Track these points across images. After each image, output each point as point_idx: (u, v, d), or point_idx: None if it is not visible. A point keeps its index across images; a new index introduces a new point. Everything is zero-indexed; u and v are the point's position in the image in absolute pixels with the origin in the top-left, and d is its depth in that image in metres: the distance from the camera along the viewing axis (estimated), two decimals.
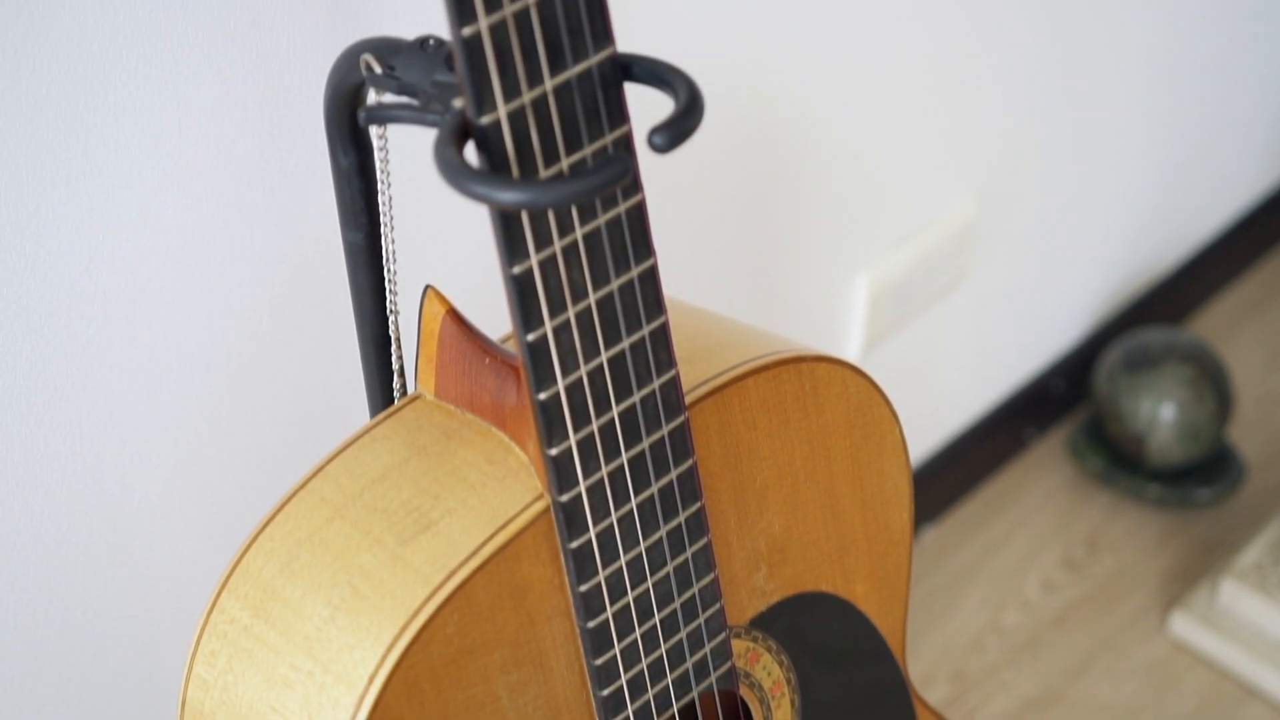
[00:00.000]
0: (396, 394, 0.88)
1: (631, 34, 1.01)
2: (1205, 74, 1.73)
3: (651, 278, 0.76)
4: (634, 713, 0.83)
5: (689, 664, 0.84)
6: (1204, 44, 1.70)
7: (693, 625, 0.84)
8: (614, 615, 0.80)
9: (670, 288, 0.78)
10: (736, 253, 1.32)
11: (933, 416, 1.65)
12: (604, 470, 0.77)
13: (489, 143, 0.69)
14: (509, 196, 0.67)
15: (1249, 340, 1.89)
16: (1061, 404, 1.78)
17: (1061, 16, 1.49)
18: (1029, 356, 1.73)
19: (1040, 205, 1.61)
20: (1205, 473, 1.71)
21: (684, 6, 1.15)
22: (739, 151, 1.26)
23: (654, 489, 0.80)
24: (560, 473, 0.76)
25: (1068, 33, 1.51)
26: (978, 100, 1.46)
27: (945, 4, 1.36)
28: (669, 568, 0.82)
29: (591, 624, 0.79)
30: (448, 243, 1.02)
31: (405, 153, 0.88)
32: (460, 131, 0.69)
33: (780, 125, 1.28)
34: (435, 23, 0.86)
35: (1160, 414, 1.65)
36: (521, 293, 0.72)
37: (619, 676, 0.81)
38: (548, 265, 0.72)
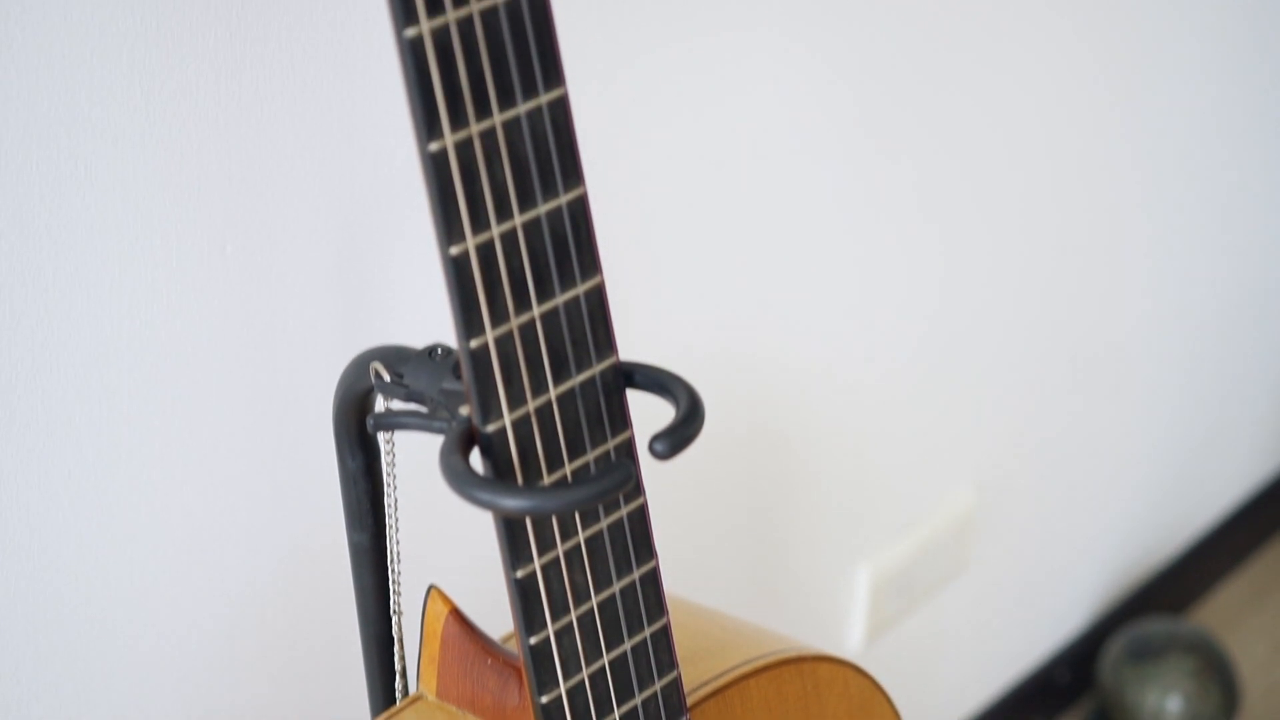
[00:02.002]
0: (398, 694, 0.88)
1: (630, 334, 1.03)
2: (1204, 363, 1.76)
3: (653, 579, 0.77)
4: None
5: None
6: (1203, 335, 1.73)
7: None
8: None
9: (670, 579, 0.79)
10: (737, 544, 1.33)
11: (937, 708, 1.63)
12: None
13: (494, 449, 0.70)
14: (513, 504, 0.68)
15: (1253, 630, 1.88)
16: (1066, 695, 1.77)
17: (1059, 309, 1.52)
18: (1032, 646, 1.73)
19: (1040, 494, 1.62)
20: None
21: (682, 308, 1.17)
22: (737, 445, 1.28)
23: None
24: None
25: (1064, 325, 1.54)
26: (974, 391, 1.48)
27: (942, 300, 1.39)
28: None
29: None
30: (452, 542, 1.03)
31: (411, 452, 0.90)
32: (466, 438, 0.70)
33: (778, 417, 1.30)
34: (443, 331, 0.89)
35: (1166, 706, 1.64)
36: (524, 596, 0.73)
37: None
38: (550, 569, 0.73)
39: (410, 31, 0.63)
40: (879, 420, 1.40)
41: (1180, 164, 1.59)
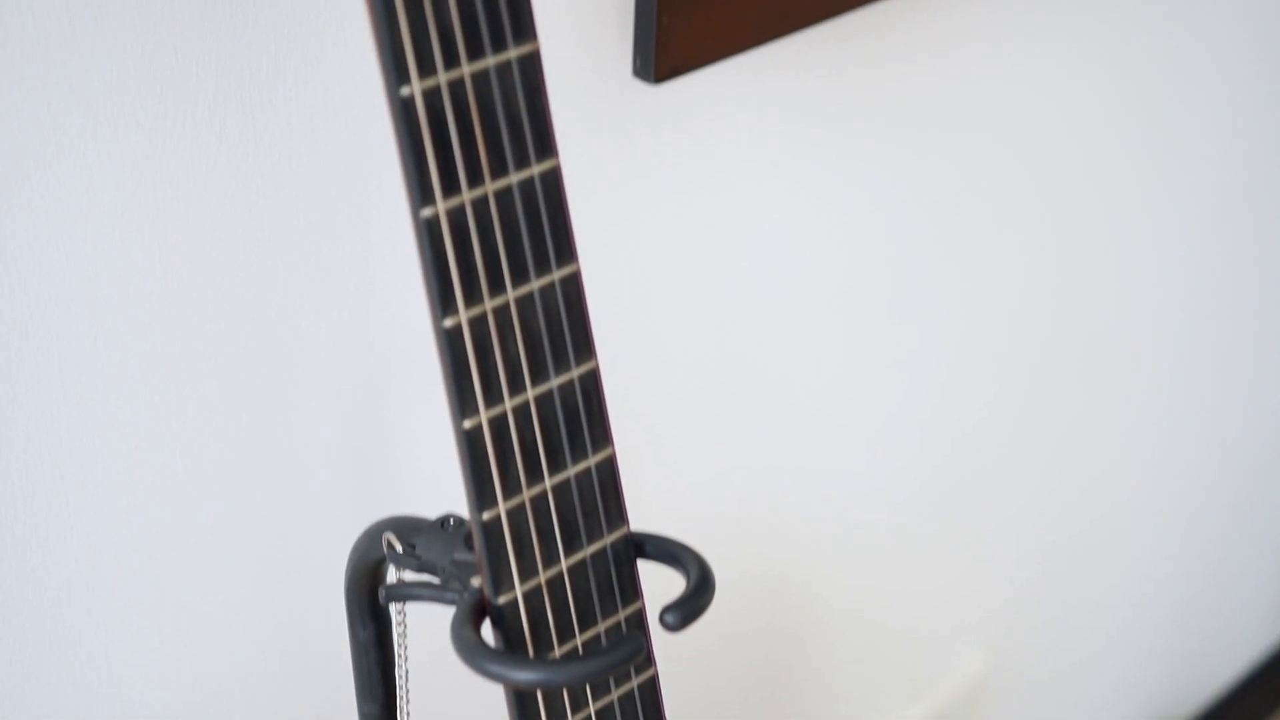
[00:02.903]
0: None
1: (640, 490, 1.04)
2: (1216, 523, 1.76)
3: None
4: None
5: None
6: (1210, 497, 1.73)
7: None
8: None
9: None
10: (746, 711, 1.32)
11: None
12: None
13: (505, 621, 0.70)
14: (524, 677, 0.68)
15: None
16: None
17: (1068, 472, 1.53)
18: None
19: (1052, 658, 1.62)
20: None
21: (691, 471, 1.18)
22: (747, 609, 1.27)
23: None
24: None
25: (1074, 488, 1.55)
26: (985, 553, 1.48)
27: (953, 462, 1.40)
28: None
29: None
30: (463, 713, 1.03)
31: (422, 622, 0.90)
32: (478, 610, 0.71)
33: (787, 581, 1.30)
34: (456, 500, 0.89)
35: None
36: None
37: None
38: None
39: (427, 211, 0.64)
40: (889, 585, 1.39)
41: (1186, 335, 1.60)
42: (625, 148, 1.02)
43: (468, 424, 0.68)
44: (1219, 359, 1.67)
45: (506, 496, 0.69)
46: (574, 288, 0.70)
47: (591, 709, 0.74)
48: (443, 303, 0.66)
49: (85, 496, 0.86)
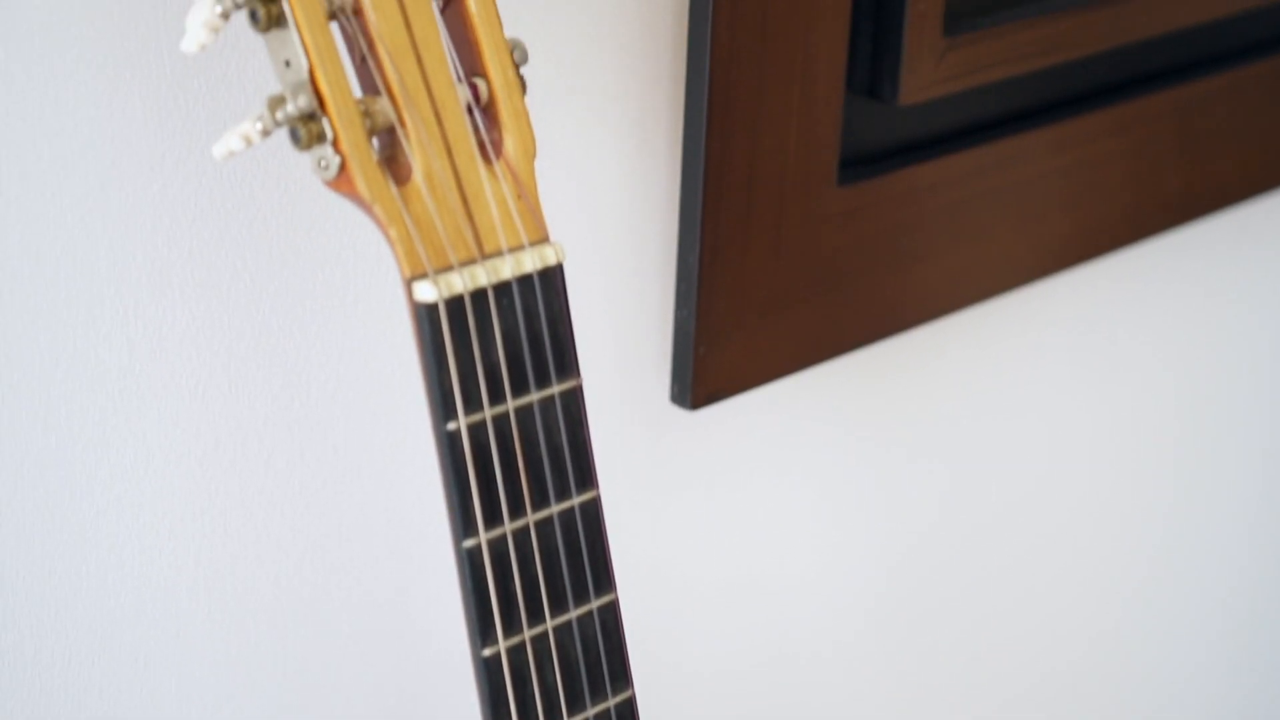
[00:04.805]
0: None
1: None
2: None
3: None
4: None
5: None
6: None
7: None
8: None
9: None
10: None
11: None
12: None
13: None
14: None
15: None
16: None
17: None
18: None
19: None
20: None
21: None
22: None
23: None
24: None
25: None
26: None
27: None
28: None
29: None
30: None
31: None
32: None
33: None
34: None
35: None
36: None
37: None
38: None
39: (469, 542, 0.66)
40: None
41: (1225, 649, 1.59)
42: (661, 469, 1.04)
43: None
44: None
45: None
46: (611, 616, 0.70)
47: None
48: (482, 633, 0.67)
49: None
